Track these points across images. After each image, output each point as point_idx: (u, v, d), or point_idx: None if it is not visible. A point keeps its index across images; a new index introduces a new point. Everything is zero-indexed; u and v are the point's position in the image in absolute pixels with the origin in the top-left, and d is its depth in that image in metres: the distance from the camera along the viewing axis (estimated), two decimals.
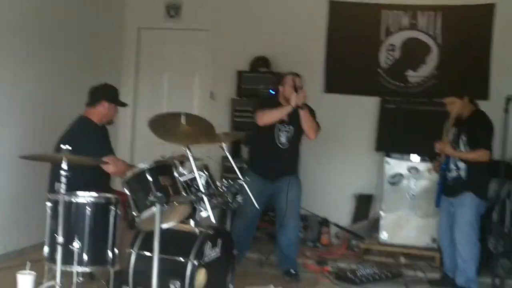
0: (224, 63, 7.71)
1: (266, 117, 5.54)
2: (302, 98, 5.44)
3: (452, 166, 5.47)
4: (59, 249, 3.79)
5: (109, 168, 4.59)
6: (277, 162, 5.60)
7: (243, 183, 4.69)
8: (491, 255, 5.20)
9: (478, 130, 5.35)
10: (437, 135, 5.51)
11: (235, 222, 5.78)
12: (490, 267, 5.13)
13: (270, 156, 5.61)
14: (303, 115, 5.49)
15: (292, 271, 5.67)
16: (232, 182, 4.67)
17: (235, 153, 7.02)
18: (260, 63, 7.47)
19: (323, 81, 7.55)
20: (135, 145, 8.06)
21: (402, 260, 6.46)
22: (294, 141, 5.67)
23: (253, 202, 4.85)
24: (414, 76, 7.33)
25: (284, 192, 5.61)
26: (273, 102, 5.66)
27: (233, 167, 4.77)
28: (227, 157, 4.78)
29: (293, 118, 5.53)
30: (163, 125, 4.20)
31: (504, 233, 6.13)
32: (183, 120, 4.06)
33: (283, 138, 5.62)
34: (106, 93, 4.93)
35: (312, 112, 5.67)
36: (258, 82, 7.32)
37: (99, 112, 4.86)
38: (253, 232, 5.96)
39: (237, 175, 4.74)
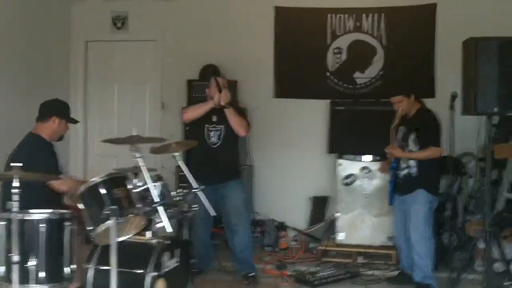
0: (174, 73, 7.70)
1: (189, 112, 5.72)
2: (225, 97, 5.58)
3: (402, 164, 5.55)
4: (15, 268, 3.71)
5: (57, 185, 4.54)
6: (212, 162, 5.66)
7: (198, 191, 4.71)
8: (446, 250, 5.28)
9: (426, 127, 5.43)
10: (387, 134, 5.58)
11: (195, 232, 5.80)
12: (446, 261, 5.21)
13: (204, 157, 5.67)
14: (228, 113, 5.61)
15: (251, 274, 5.72)
16: (187, 191, 4.67)
17: (188, 162, 6.99)
18: (210, 71, 7.46)
19: (273, 86, 7.60)
20: (88, 158, 7.98)
21: (360, 259, 6.53)
22: (227, 140, 5.73)
23: (206, 210, 4.88)
24: (361, 77, 7.45)
25: (228, 199, 5.71)
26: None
27: (187, 176, 4.78)
28: (181, 167, 4.77)
29: (224, 118, 5.64)
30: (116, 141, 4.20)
31: (457, 228, 6.26)
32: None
33: (214, 138, 5.70)
34: (56, 109, 4.84)
35: (241, 111, 5.86)
36: None
37: (49, 128, 4.78)
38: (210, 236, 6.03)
39: (191, 184, 4.75)
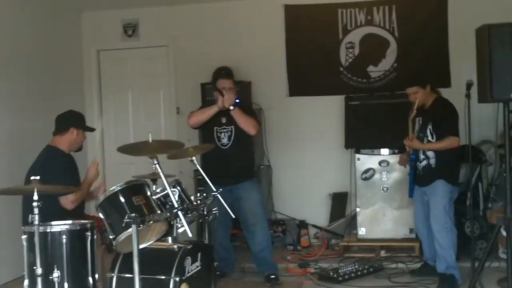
0: (187, 77, 7.71)
1: (194, 117, 5.72)
2: (229, 100, 5.55)
3: (421, 155, 5.53)
4: (39, 281, 3.74)
5: (66, 205, 4.58)
6: (224, 164, 5.66)
7: (217, 194, 4.73)
8: (468, 240, 5.26)
9: (443, 117, 5.40)
10: (403, 127, 5.54)
11: (214, 235, 5.82)
12: (468, 251, 5.18)
13: (216, 159, 5.64)
14: (234, 115, 5.60)
15: (272, 275, 5.71)
16: (206, 195, 4.69)
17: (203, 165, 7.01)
18: (223, 73, 7.42)
19: (286, 85, 7.59)
20: (106, 167, 8.01)
21: (382, 253, 6.52)
22: (238, 141, 5.72)
23: (224, 213, 4.90)
24: (375, 71, 7.41)
25: (243, 200, 5.71)
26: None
27: (205, 179, 4.80)
28: (200, 170, 4.79)
29: (233, 118, 5.64)
30: (132, 149, 4.20)
31: (479, 216, 6.22)
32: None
33: (224, 139, 5.70)
34: (73, 120, 4.92)
35: (249, 109, 5.85)
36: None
37: (68, 139, 4.85)
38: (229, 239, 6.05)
39: (210, 187, 4.77)
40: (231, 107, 5.57)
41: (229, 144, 5.70)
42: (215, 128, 5.71)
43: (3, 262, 5.94)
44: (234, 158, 5.71)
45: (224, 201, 5.43)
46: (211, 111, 5.64)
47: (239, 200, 5.71)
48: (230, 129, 5.70)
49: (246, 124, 5.66)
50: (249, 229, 5.78)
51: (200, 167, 4.84)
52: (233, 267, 6.06)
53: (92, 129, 5.18)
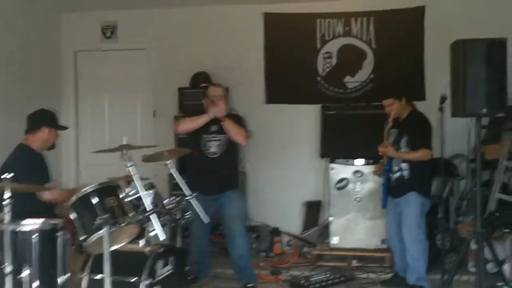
0: (165, 81, 7.71)
1: (183, 125, 5.64)
2: (221, 110, 5.50)
3: (394, 167, 5.58)
4: (8, 280, 3.71)
5: (45, 195, 4.55)
6: (211, 173, 5.61)
7: (191, 198, 4.71)
8: (439, 252, 5.31)
9: (417, 130, 5.47)
10: (378, 138, 5.62)
11: (191, 240, 5.81)
12: (439, 263, 5.23)
13: (202, 168, 5.62)
14: (226, 125, 5.54)
15: (249, 284, 5.69)
16: (179, 199, 4.67)
17: (182, 170, 6.97)
18: (201, 78, 7.48)
19: (264, 92, 7.62)
20: (80, 168, 7.97)
21: (354, 263, 6.55)
22: (227, 150, 5.68)
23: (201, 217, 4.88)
24: (352, 81, 7.47)
25: (225, 209, 5.67)
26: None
27: (180, 184, 4.79)
28: (174, 175, 4.77)
29: (223, 127, 5.59)
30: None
31: (450, 229, 6.28)
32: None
33: (213, 148, 5.64)
34: (45, 118, 4.88)
35: (238, 119, 5.76)
36: (200, 98, 7.26)
37: (40, 138, 4.81)
38: (208, 245, 6.00)
39: (184, 191, 4.76)
40: (222, 119, 5.51)
41: (217, 154, 5.63)
42: (203, 136, 5.62)
43: None
44: (221, 167, 5.65)
45: (209, 209, 5.43)
46: (202, 119, 5.54)
47: (224, 207, 5.68)
48: (220, 138, 5.63)
49: (237, 134, 5.60)
50: (231, 234, 5.72)
51: (176, 171, 4.81)
52: (208, 272, 6.01)
53: (64, 128, 5.12)
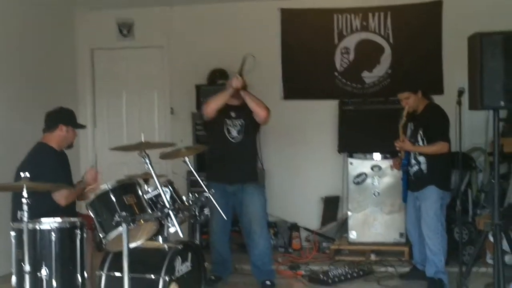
0: (182, 78, 7.72)
1: (211, 103, 5.59)
2: (240, 80, 5.51)
3: (412, 161, 5.56)
4: (27, 278, 3.75)
5: (58, 198, 4.55)
6: (231, 158, 5.60)
7: (209, 195, 4.72)
8: (457, 245, 5.29)
9: (434, 123, 5.45)
10: (396, 132, 5.59)
11: (211, 238, 5.82)
12: (457, 256, 5.22)
13: (223, 152, 5.61)
14: (246, 95, 5.56)
15: (268, 282, 5.66)
16: (198, 196, 4.69)
17: (200, 167, 7.01)
18: (218, 75, 7.49)
19: (281, 88, 7.61)
20: (98, 167, 8.01)
21: (373, 257, 6.54)
22: (247, 135, 5.67)
23: (221, 214, 4.90)
24: (369, 76, 7.44)
25: (247, 205, 5.64)
26: None
27: (199, 181, 4.81)
28: (192, 171, 4.80)
29: (242, 112, 5.61)
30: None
31: (468, 222, 6.26)
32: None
33: (234, 132, 5.64)
34: (62, 117, 4.88)
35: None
36: None
37: (58, 136, 4.81)
38: (229, 242, 5.97)
39: (203, 188, 4.78)
40: (241, 89, 5.52)
41: (238, 138, 5.62)
42: (225, 120, 5.63)
43: None
44: (243, 152, 5.65)
45: (227, 204, 5.45)
46: (225, 94, 5.55)
47: (242, 205, 5.66)
48: (240, 123, 5.63)
49: (258, 105, 5.57)
50: (251, 236, 5.69)
51: (194, 168, 4.82)
52: (230, 271, 6.00)
53: (82, 126, 5.10)
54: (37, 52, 7.00)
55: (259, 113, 5.59)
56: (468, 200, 6.36)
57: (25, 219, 3.70)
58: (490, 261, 5.65)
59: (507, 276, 4.03)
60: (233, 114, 5.64)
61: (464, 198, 6.22)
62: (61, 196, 4.55)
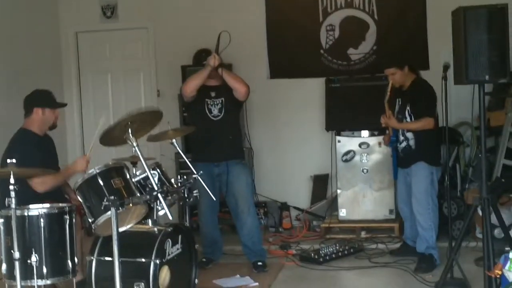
0: (168, 59, 7.68)
1: (190, 83, 5.63)
2: (217, 58, 5.53)
3: (401, 137, 5.57)
4: (17, 265, 3.73)
5: (35, 185, 4.49)
6: (215, 137, 5.61)
7: (197, 177, 4.73)
8: (446, 220, 5.32)
9: (420, 98, 5.44)
10: (383, 109, 5.59)
11: (200, 220, 5.82)
12: (446, 231, 5.25)
13: (206, 131, 5.61)
14: (224, 72, 5.58)
15: (260, 263, 5.67)
16: (186, 177, 4.69)
17: (188, 149, 6.99)
18: (204, 55, 7.41)
19: (267, 67, 7.59)
20: (85, 151, 7.97)
21: (363, 234, 6.58)
22: (228, 113, 5.66)
23: (209, 195, 4.91)
24: (355, 53, 7.42)
25: (233, 186, 5.65)
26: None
27: (187, 162, 4.81)
28: (180, 153, 4.79)
29: (222, 91, 5.62)
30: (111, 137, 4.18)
31: (457, 197, 6.29)
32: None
33: (215, 111, 5.64)
34: (36, 100, 4.79)
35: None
36: None
37: (36, 120, 4.74)
38: (217, 224, 5.99)
39: (191, 170, 4.77)
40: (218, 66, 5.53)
41: (220, 116, 5.63)
42: (206, 100, 5.64)
43: None
44: (225, 130, 5.66)
45: (214, 185, 5.45)
46: (205, 71, 5.54)
47: (228, 184, 5.66)
48: (220, 101, 5.64)
49: (236, 81, 5.60)
50: (238, 216, 5.72)
51: (181, 150, 4.83)
52: (221, 252, 6.00)
53: (61, 105, 5.00)
54: (22, 36, 6.94)
55: (238, 88, 5.60)
56: (456, 175, 6.38)
57: (13, 205, 3.68)
58: (479, 235, 5.68)
59: (496, 250, 4.05)
60: (212, 94, 5.65)
61: (452, 173, 6.24)
62: (36, 183, 4.47)
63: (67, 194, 4.88)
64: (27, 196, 4.10)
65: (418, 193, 5.47)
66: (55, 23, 7.85)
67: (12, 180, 3.66)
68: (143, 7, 7.78)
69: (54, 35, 7.83)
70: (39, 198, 4.31)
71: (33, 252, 3.84)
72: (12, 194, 3.67)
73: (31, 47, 7.12)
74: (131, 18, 7.83)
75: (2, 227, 3.91)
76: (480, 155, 4.42)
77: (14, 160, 3.75)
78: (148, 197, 4.13)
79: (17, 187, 3.68)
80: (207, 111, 5.63)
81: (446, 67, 4.94)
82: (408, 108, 5.49)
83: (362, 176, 6.66)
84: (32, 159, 4.46)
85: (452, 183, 6.10)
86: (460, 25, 4.06)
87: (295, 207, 7.33)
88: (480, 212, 4.30)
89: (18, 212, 3.81)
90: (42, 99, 4.83)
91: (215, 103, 5.64)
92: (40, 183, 4.49)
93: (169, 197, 4.39)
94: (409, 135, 5.50)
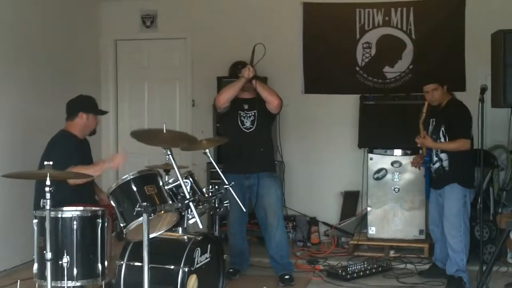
0: (204, 70, 7.74)
1: (223, 94, 5.69)
2: (251, 70, 5.58)
3: (434, 158, 5.52)
4: (48, 266, 3.79)
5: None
6: (246, 149, 5.63)
7: (229, 187, 4.76)
8: (477, 243, 5.26)
9: (456, 119, 5.40)
10: (417, 128, 5.57)
11: (229, 230, 5.85)
12: (477, 254, 5.19)
13: (238, 142, 5.63)
14: (258, 84, 5.60)
15: (286, 276, 5.67)
16: (218, 187, 4.72)
17: (220, 159, 7.04)
18: (239, 67, 7.47)
19: (302, 82, 7.61)
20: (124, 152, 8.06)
21: (392, 253, 6.54)
22: (261, 125, 5.69)
23: (239, 206, 4.93)
24: (391, 72, 7.40)
25: (263, 198, 5.66)
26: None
27: (218, 172, 4.85)
28: (212, 163, 4.82)
29: (254, 104, 5.65)
30: (145, 136, 4.24)
31: (489, 221, 6.22)
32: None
33: (247, 123, 5.68)
34: (82, 105, 4.95)
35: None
36: None
37: (79, 124, 4.89)
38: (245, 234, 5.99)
39: (223, 180, 4.81)
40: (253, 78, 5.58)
41: (252, 128, 5.67)
42: (239, 112, 5.69)
43: (14, 246, 6.01)
44: (257, 143, 5.68)
45: (244, 197, 5.48)
46: (239, 83, 5.61)
47: (258, 197, 5.66)
48: (252, 114, 5.68)
49: (269, 93, 5.63)
50: (267, 229, 5.73)
51: (214, 160, 4.88)
52: (248, 264, 6.02)
53: (103, 112, 5.19)
54: (63, 42, 7.06)
55: (271, 101, 5.63)
56: (489, 198, 6.32)
57: (48, 207, 3.74)
58: (510, 260, 5.62)
59: None
60: (246, 106, 5.69)
61: (486, 196, 6.18)
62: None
63: (97, 195, 4.99)
64: (60, 198, 4.16)
65: (450, 215, 5.42)
66: (96, 30, 7.97)
67: (48, 182, 3.73)
68: (182, 18, 7.86)
69: (94, 42, 7.95)
70: (72, 200, 4.38)
71: (65, 254, 3.91)
72: (48, 195, 3.73)
73: (72, 53, 7.24)
74: (170, 28, 7.91)
75: (36, 228, 3.99)
76: None
77: (51, 162, 3.82)
78: (179, 205, 4.17)
79: (53, 189, 3.74)
80: (239, 123, 5.68)
81: (483, 90, 4.90)
82: (442, 128, 5.45)
83: (393, 194, 6.63)
84: (71, 160, 4.57)
85: (485, 207, 6.02)
86: (499, 48, 4.07)
87: (324, 223, 7.31)
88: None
89: (52, 214, 3.88)
90: (87, 104, 4.99)
91: (248, 115, 5.68)
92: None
93: (200, 206, 4.43)
94: (443, 156, 5.46)
